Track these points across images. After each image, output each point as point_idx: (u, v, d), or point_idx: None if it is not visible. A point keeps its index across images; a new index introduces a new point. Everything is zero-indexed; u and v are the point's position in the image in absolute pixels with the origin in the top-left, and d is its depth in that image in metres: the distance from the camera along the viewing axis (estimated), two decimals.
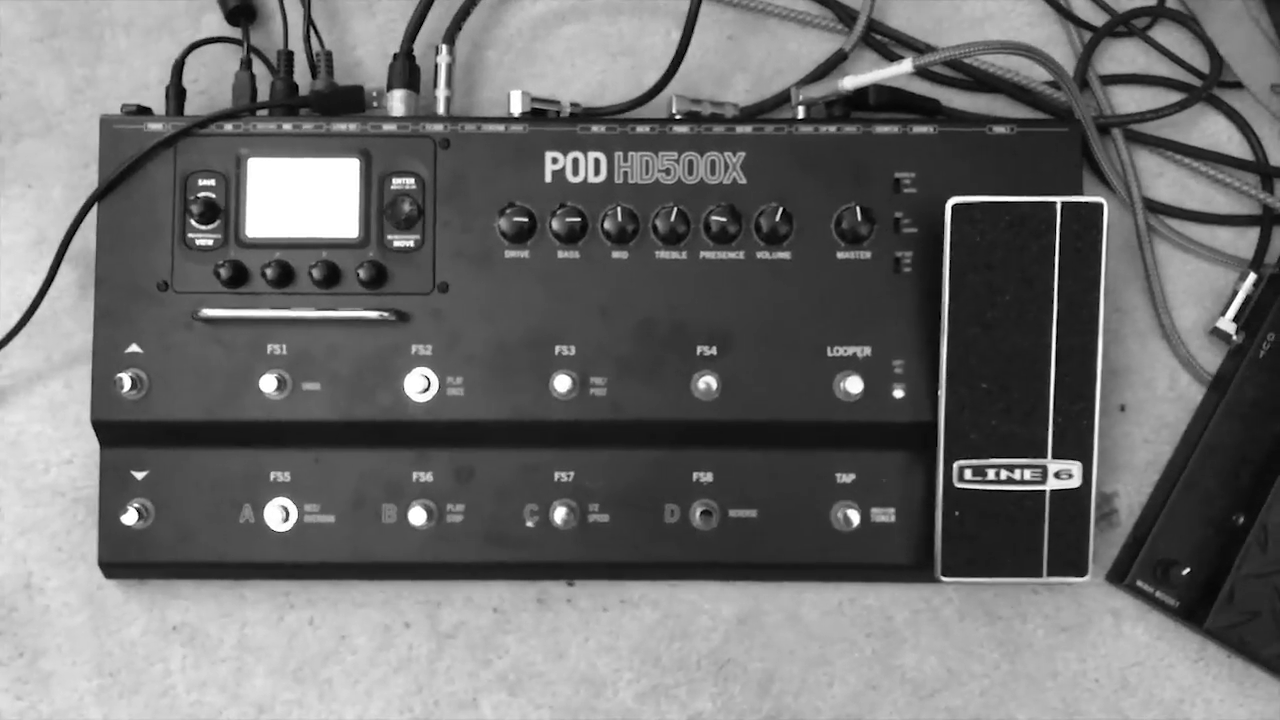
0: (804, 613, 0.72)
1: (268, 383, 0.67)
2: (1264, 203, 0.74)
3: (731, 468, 0.69)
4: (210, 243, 0.69)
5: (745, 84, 0.75)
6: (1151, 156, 0.75)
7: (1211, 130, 0.75)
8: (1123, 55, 0.76)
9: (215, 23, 0.75)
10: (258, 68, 0.72)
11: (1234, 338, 0.71)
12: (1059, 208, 0.66)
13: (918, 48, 0.75)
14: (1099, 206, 0.66)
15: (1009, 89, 0.74)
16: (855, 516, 0.69)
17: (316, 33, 0.73)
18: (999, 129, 0.69)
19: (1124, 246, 0.74)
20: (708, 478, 0.69)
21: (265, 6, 0.75)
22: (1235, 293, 0.72)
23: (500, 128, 0.69)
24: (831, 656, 0.72)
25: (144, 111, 0.70)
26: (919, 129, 0.69)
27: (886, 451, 0.69)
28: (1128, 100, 0.76)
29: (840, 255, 0.69)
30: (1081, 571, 0.66)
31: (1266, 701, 0.71)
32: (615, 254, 0.69)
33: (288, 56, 0.72)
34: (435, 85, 0.72)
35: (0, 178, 0.74)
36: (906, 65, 0.67)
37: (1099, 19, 0.75)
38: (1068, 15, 0.75)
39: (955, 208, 0.66)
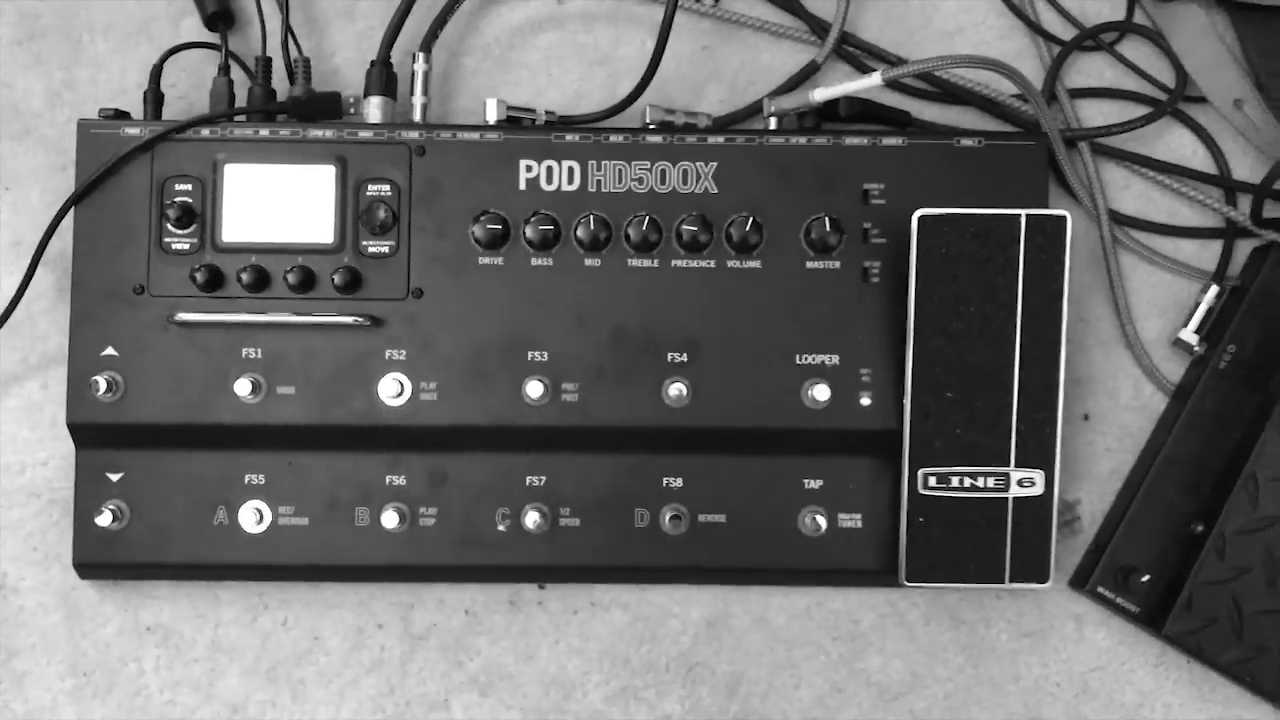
0: (771, 616, 0.73)
1: (242, 386, 0.68)
2: (1227, 216, 0.75)
3: (701, 473, 0.70)
4: (186, 247, 0.69)
5: (719, 94, 0.76)
6: (1117, 169, 0.76)
7: (1176, 144, 0.76)
8: (1091, 69, 0.77)
9: (194, 28, 0.76)
10: (236, 73, 0.73)
11: (1196, 349, 0.73)
12: (1023, 220, 0.67)
13: (889, 60, 0.76)
14: (1062, 219, 0.67)
15: (979, 101, 0.76)
16: (822, 522, 0.70)
17: (295, 39, 0.74)
18: (967, 141, 0.70)
19: (1090, 258, 0.75)
20: (678, 483, 0.70)
21: (244, 12, 0.75)
22: (1198, 304, 0.73)
23: (475, 135, 0.70)
24: (798, 660, 0.73)
25: (121, 116, 0.70)
26: (888, 141, 0.70)
27: (853, 458, 0.70)
28: (1095, 113, 0.77)
29: (809, 265, 0.70)
30: (1043, 578, 0.67)
31: (1225, 706, 0.72)
32: (588, 261, 0.70)
33: (266, 63, 0.73)
34: (412, 93, 0.73)
35: None
36: (876, 78, 0.68)
37: (1068, 33, 0.77)
38: (1037, 29, 0.77)
39: (921, 219, 0.67)
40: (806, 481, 0.70)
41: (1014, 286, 0.66)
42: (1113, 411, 0.74)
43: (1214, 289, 0.73)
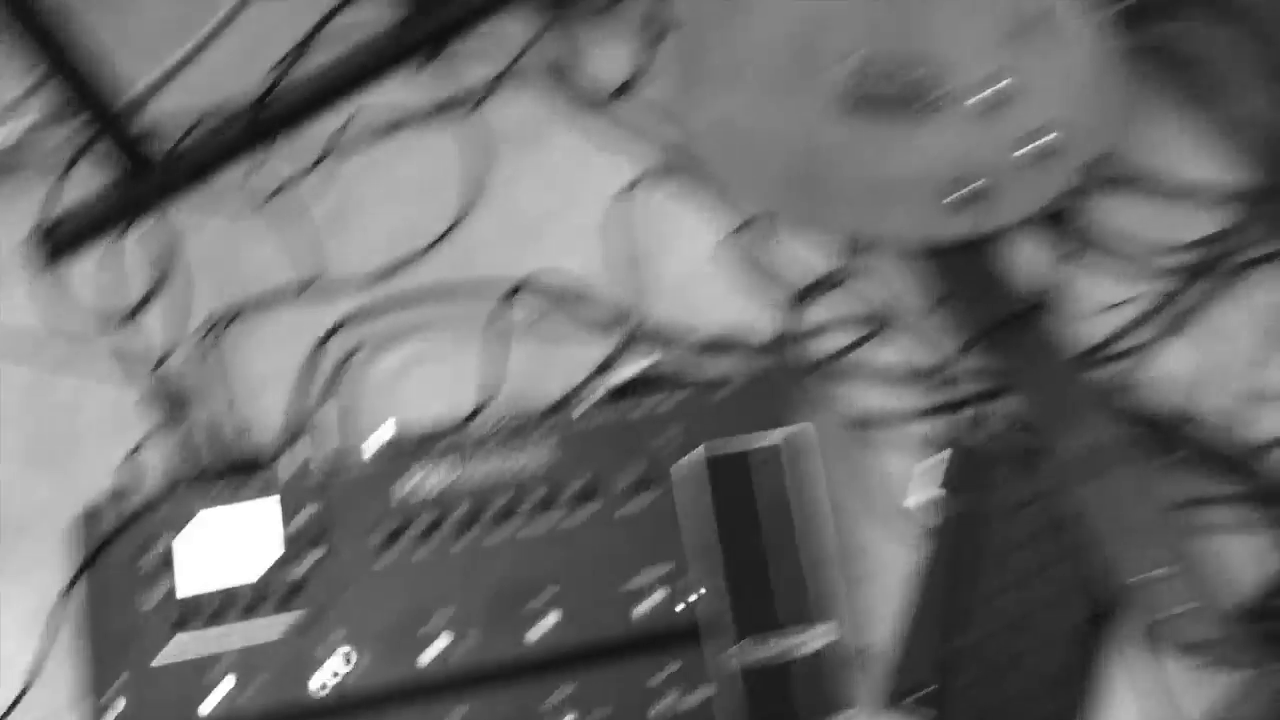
0: None
1: (221, 690, 0.89)
2: (942, 400, 0.98)
3: (584, 681, 0.89)
4: (160, 598, 0.91)
5: (554, 383, 1.00)
6: (856, 381, 1.00)
7: (896, 351, 1.00)
8: (824, 306, 1.02)
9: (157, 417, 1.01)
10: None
11: (931, 507, 0.94)
12: (779, 436, 0.90)
13: (671, 336, 1.01)
14: (808, 430, 0.90)
15: (744, 348, 1.00)
16: (686, 698, 0.89)
17: (230, 417, 0.98)
18: (733, 384, 0.94)
19: (850, 453, 0.98)
20: (567, 693, 0.89)
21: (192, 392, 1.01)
22: (928, 472, 0.95)
23: (370, 462, 0.94)
24: None
25: (97, 517, 0.93)
26: (676, 397, 0.94)
27: (694, 644, 0.90)
28: (832, 340, 1.01)
29: (634, 502, 0.92)
30: (850, 705, 0.87)
31: None
32: (468, 536, 0.92)
33: (211, 441, 0.97)
34: (324, 431, 0.97)
35: (5, 567, 0.97)
36: (643, 364, 0.93)
37: (808, 275, 1.02)
38: (776, 288, 1.02)
39: (706, 450, 0.90)
40: (666, 666, 0.90)
41: (783, 491, 0.90)
42: (890, 565, 0.95)
43: (939, 455, 0.95)
